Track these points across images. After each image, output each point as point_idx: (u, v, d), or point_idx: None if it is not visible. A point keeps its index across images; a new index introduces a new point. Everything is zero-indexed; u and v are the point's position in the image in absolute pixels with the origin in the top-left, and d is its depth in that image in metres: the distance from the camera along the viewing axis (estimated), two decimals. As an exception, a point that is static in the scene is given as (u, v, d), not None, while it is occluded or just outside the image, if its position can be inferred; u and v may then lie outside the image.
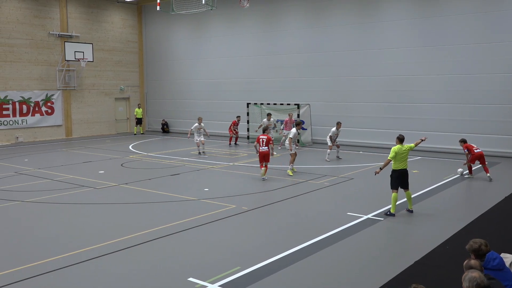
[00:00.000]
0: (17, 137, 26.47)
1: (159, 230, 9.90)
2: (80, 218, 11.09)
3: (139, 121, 30.54)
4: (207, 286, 7.10)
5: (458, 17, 20.51)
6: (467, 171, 15.60)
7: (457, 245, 8.62)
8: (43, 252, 8.62)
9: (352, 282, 7.40)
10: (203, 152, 20.74)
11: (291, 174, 15.76)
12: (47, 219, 11.05)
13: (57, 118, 28.35)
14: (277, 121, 23.65)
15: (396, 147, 10.98)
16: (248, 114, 25.51)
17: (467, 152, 15.25)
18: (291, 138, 16.05)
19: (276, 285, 7.24)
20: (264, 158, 15.37)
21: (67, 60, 27.70)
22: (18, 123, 26.58)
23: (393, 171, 11.06)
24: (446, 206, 12.06)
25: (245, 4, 22.61)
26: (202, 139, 20.83)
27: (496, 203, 12.21)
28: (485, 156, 15.42)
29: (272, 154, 15.55)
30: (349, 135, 22.95)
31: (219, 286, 7.11)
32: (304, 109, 24.08)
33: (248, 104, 25.67)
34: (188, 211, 11.43)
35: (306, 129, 24.15)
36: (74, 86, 28.86)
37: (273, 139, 21.63)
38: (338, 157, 19.48)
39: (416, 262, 8.02)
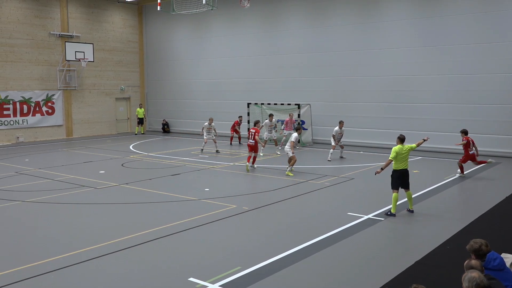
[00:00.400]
0: (18, 137, 26.48)
1: (160, 230, 9.90)
2: (81, 218, 11.10)
3: (140, 121, 30.56)
4: (207, 286, 7.10)
5: (458, 17, 20.51)
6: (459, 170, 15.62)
7: (458, 245, 8.62)
8: (43, 252, 8.63)
9: (353, 282, 7.40)
10: (217, 151, 21.35)
11: (292, 175, 15.70)
12: (47, 219, 11.05)
13: (57, 118, 28.36)
14: (277, 121, 23.66)
15: (397, 147, 10.98)
16: (248, 114, 25.51)
17: (465, 142, 15.33)
18: (293, 142, 15.91)
19: (276, 285, 7.24)
20: (252, 149, 17.07)
21: (67, 60, 27.71)
22: (18, 123, 26.59)
23: (394, 171, 11.06)
24: (447, 206, 12.06)
25: (245, 4, 22.58)
26: (213, 137, 21.55)
27: (497, 203, 12.20)
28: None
29: (263, 146, 17.30)
30: (350, 135, 22.92)
31: (219, 286, 7.11)
32: (305, 109, 24.08)
33: (248, 104, 25.67)
34: (188, 211, 11.44)
35: (306, 129, 24.15)
36: (75, 86, 28.87)
37: (275, 138, 21.77)
38: (341, 157, 19.49)
39: (416, 262, 8.02)
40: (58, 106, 28.34)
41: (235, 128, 24.41)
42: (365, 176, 15.63)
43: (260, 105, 25.36)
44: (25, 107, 26.77)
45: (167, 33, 31.51)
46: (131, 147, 24.03)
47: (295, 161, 15.96)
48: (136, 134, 30.47)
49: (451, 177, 15.47)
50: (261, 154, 20.26)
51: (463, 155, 15.70)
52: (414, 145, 11.33)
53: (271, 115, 22.21)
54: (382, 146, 22.03)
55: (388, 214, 10.90)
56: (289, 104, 24.41)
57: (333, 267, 8.00)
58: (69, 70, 28.40)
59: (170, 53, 31.52)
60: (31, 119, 27.11)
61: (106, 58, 30.52)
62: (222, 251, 8.71)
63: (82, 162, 19.30)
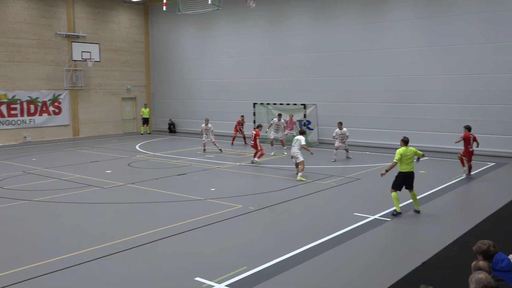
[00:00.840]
0: (25, 137, 26.62)
1: (166, 229, 9.93)
2: (87, 218, 11.15)
3: (145, 121, 30.65)
4: (214, 286, 7.12)
5: (463, 17, 20.41)
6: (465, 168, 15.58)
7: (465, 246, 8.59)
8: (49, 252, 8.67)
9: (359, 283, 7.39)
10: (220, 149, 21.44)
11: (304, 179, 15.06)
12: (54, 219, 11.10)
13: (64, 117, 28.49)
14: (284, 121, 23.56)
15: (401, 149, 10.96)
16: (254, 114, 25.52)
17: (460, 140, 15.38)
18: (304, 145, 15.58)
19: (283, 285, 7.24)
20: (254, 148, 18.50)
21: (74, 60, 27.83)
22: (26, 123, 26.73)
23: (399, 174, 11.04)
24: (453, 207, 12.02)
25: (251, 4, 22.60)
26: (213, 140, 21.50)
27: (504, 204, 12.14)
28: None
29: (259, 148, 18.28)
30: (356, 135, 22.88)
31: (226, 286, 7.12)
32: (311, 109, 24.06)
33: (254, 104, 25.68)
34: (194, 211, 11.46)
35: (312, 129, 24.13)
36: (81, 86, 28.99)
37: (282, 138, 21.58)
38: (348, 157, 19.51)
39: (423, 263, 8.01)
40: (65, 106, 28.46)
41: (238, 128, 24.42)
42: (371, 177, 15.60)
43: (266, 105, 25.36)
44: (32, 107, 26.91)
45: (173, 33, 31.58)
46: (137, 146, 24.10)
47: (304, 166, 15.56)
48: (142, 134, 30.55)
49: (458, 178, 15.41)
50: (272, 154, 20.32)
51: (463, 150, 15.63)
52: (421, 152, 11.28)
53: (279, 115, 22.20)
54: (388, 146, 21.95)
55: (394, 214, 10.87)
56: (295, 104, 24.39)
57: (339, 267, 7.99)
58: (76, 70, 28.52)
59: (176, 53, 31.58)
60: (38, 119, 27.25)
61: (112, 58, 30.62)
62: (229, 251, 8.73)
63: (88, 161, 19.37)
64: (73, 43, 27.69)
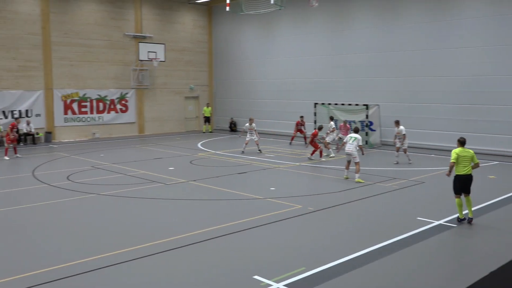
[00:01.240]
0: (94, 133, 27.88)
1: (226, 227, 10.05)
2: (150, 213, 11.49)
3: (207, 120, 31.19)
4: (271, 285, 7.12)
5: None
6: None
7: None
8: (113, 245, 9.01)
9: (422, 290, 7.15)
10: (259, 150, 21.27)
11: (363, 181, 14.80)
12: (118, 213, 11.54)
13: (130, 115, 29.57)
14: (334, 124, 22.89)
15: (457, 149, 10.39)
16: (315, 114, 25.32)
17: None
18: (361, 145, 15.27)
19: (341, 288, 7.14)
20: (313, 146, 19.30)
21: (140, 60, 28.81)
22: (95, 120, 27.99)
23: (456, 176, 10.41)
24: (526, 215, 11.36)
25: (314, 4, 22.45)
26: (256, 139, 21.26)
27: None
28: None
29: (317, 146, 19.06)
30: (420, 137, 22.19)
31: (284, 285, 7.11)
32: (373, 110, 23.54)
33: (315, 104, 25.49)
34: (254, 210, 11.53)
35: (375, 130, 23.63)
36: (147, 85, 29.95)
37: (328, 142, 20.87)
38: (408, 161, 18.28)
39: (491, 273, 7.62)
40: (131, 104, 29.52)
41: (299, 128, 24.29)
42: (436, 180, 15.05)
43: (327, 106, 25.10)
44: (101, 104, 28.12)
45: (235, 33, 31.94)
46: (199, 145, 24.58)
47: (359, 166, 15.22)
48: (204, 132, 31.11)
49: (531, 184, 14.55)
50: (331, 155, 20.10)
51: None
52: (478, 160, 10.46)
53: (331, 117, 22.31)
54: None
55: (459, 220, 10.39)
56: (357, 105, 23.98)
57: (400, 273, 7.76)
58: (142, 69, 29.51)
59: (238, 53, 31.92)
60: (106, 116, 28.44)
61: (176, 58, 31.42)
62: (287, 251, 8.71)
63: (152, 158, 19.98)
64: (140, 43, 28.66)
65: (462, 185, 10.36)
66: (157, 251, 8.61)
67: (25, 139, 24.54)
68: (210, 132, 31.43)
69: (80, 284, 7.21)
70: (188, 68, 32.25)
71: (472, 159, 10.32)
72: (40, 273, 7.55)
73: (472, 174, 10.45)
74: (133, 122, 29.76)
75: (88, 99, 27.57)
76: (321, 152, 19.25)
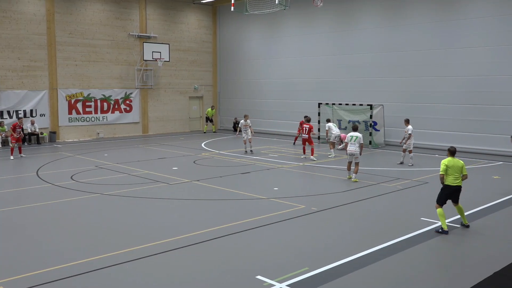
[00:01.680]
0: (98, 133, 27.95)
1: (229, 227, 10.05)
2: (153, 213, 11.50)
3: (210, 120, 31.06)
4: (274, 285, 7.11)
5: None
6: None
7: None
8: (117, 244, 9.03)
9: (425, 290, 7.12)
10: (251, 150, 21.11)
11: (357, 181, 14.90)
12: (122, 212, 11.55)
13: (134, 115, 29.62)
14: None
15: (446, 160, 9.98)
16: (319, 114, 25.31)
17: None
18: (363, 143, 15.23)
19: (344, 288, 7.13)
20: (307, 142, 19.39)
21: (145, 60, 28.86)
22: (99, 120, 28.05)
23: (445, 187, 9.98)
24: (530, 215, 11.30)
25: (318, 4, 22.44)
26: (250, 137, 21.04)
27: None
28: None
29: (312, 142, 19.31)
30: (424, 137, 22.13)
31: (287, 285, 7.10)
32: (377, 110, 23.49)
33: (319, 104, 25.47)
34: (257, 210, 11.52)
35: (379, 130, 23.57)
36: (151, 85, 30.00)
37: (332, 141, 20.86)
38: (409, 163, 17.93)
39: (495, 273, 7.59)
40: (136, 104, 29.58)
41: (300, 128, 24.21)
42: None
43: (331, 105, 25.07)
44: (105, 104, 28.19)
45: (240, 33, 31.95)
46: (203, 145, 24.60)
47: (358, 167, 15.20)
48: (204, 132, 31.00)
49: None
50: (331, 155, 20.09)
51: None
52: (466, 173, 10.05)
53: (328, 120, 22.63)
54: (458, 150, 20.93)
55: (440, 231, 9.78)
56: (361, 105, 23.93)
57: (403, 273, 7.73)
58: (146, 69, 29.55)
59: (242, 53, 31.93)
60: (110, 116, 28.50)
61: (181, 58, 31.46)
62: (290, 251, 8.69)
63: (156, 158, 20.01)
64: (144, 43, 28.71)
65: (450, 195, 10.00)
66: (160, 250, 8.61)
67: (29, 139, 24.63)
68: (214, 132, 31.42)
69: (84, 284, 7.22)
70: (193, 68, 32.28)
71: (461, 170, 9.95)
72: (43, 273, 7.57)
73: (461, 186, 10.07)
74: (137, 122, 29.81)
75: (93, 99, 27.63)
76: (312, 150, 19.34)
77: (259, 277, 7.41)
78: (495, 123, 20.54)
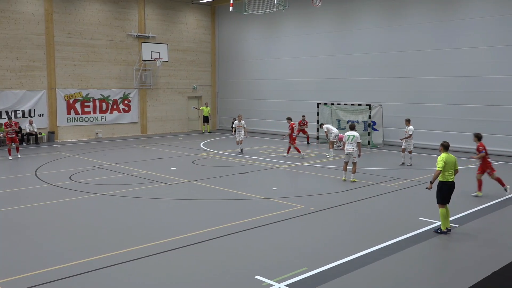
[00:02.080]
0: (97, 133, 27.91)
1: (228, 227, 10.04)
2: (152, 213, 11.48)
3: (205, 119, 30.96)
4: (273, 285, 7.11)
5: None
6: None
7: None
8: (116, 244, 9.01)
9: (424, 290, 7.12)
10: (241, 150, 21.03)
11: (356, 181, 14.93)
12: (120, 213, 11.53)
13: (133, 115, 29.59)
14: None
15: (443, 156, 9.79)
16: (318, 114, 25.31)
17: (483, 154, 13.07)
18: (360, 143, 15.14)
19: (343, 288, 7.12)
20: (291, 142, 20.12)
21: (143, 60, 28.83)
22: (97, 120, 28.01)
23: (443, 184, 9.76)
24: (529, 215, 11.31)
25: (317, 4, 22.47)
26: (241, 138, 20.97)
27: None
28: None
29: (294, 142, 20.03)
30: (423, 137, 22.13)
31: (285, 285, 7.09)
32: (376, 110, 23.50)
33: (318, 104, 25.47)
34: (256, 210, 11.51)
35: (377, 130, 23.58)
36: (150, 85, 29.98)
37: (332, 140, 20.95)
38: (408, 163, 17.87)
39: (494, 273, 7.59)
40: (134, 104, 29.55)
41: (301, 128, 24.26)
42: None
43: (330, 105, 25.07)
44: (104, 104, 28.15)
45: (239, 33, 31.94)
46: (201, 145, 24.58)
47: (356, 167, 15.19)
48: (203, 132, 30.93)
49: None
50: (330, 155, 20.09)
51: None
52: (457, 167, 9.93)
53: (321, 124, 23.39)
54: (457, 150, 20.99)
55: (439, 231, 9.69)
56: (359, 105, 23.94)
57: (402, 273, 7.73)
58: (145, 69, 29.53)
59: (241, 52, 31.92)
60: (109, 116, 28.47)
61: (179, 58, 31.44)
62: (289, 251, 8.69)
63: (155, 158, 19.99)
64: (143, 43, 28.68)
65: (450, 193, 9.82)
66: (159, 251, 8.60)
67: (28, 139, 24.60)
68: (209, 132, 31.19)
69: (83, 284, 7.21)
70: (191, 68, 32.26)
71: (455, 165, 9.87)
72: (41, 273, 7.56)
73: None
74: (136, 122, 29.78)
75: (91, 99, 27.60)
76: (289, 149, 20.29)
77: (258, 277, 7.41)
78: (495, 123, 20.55)
